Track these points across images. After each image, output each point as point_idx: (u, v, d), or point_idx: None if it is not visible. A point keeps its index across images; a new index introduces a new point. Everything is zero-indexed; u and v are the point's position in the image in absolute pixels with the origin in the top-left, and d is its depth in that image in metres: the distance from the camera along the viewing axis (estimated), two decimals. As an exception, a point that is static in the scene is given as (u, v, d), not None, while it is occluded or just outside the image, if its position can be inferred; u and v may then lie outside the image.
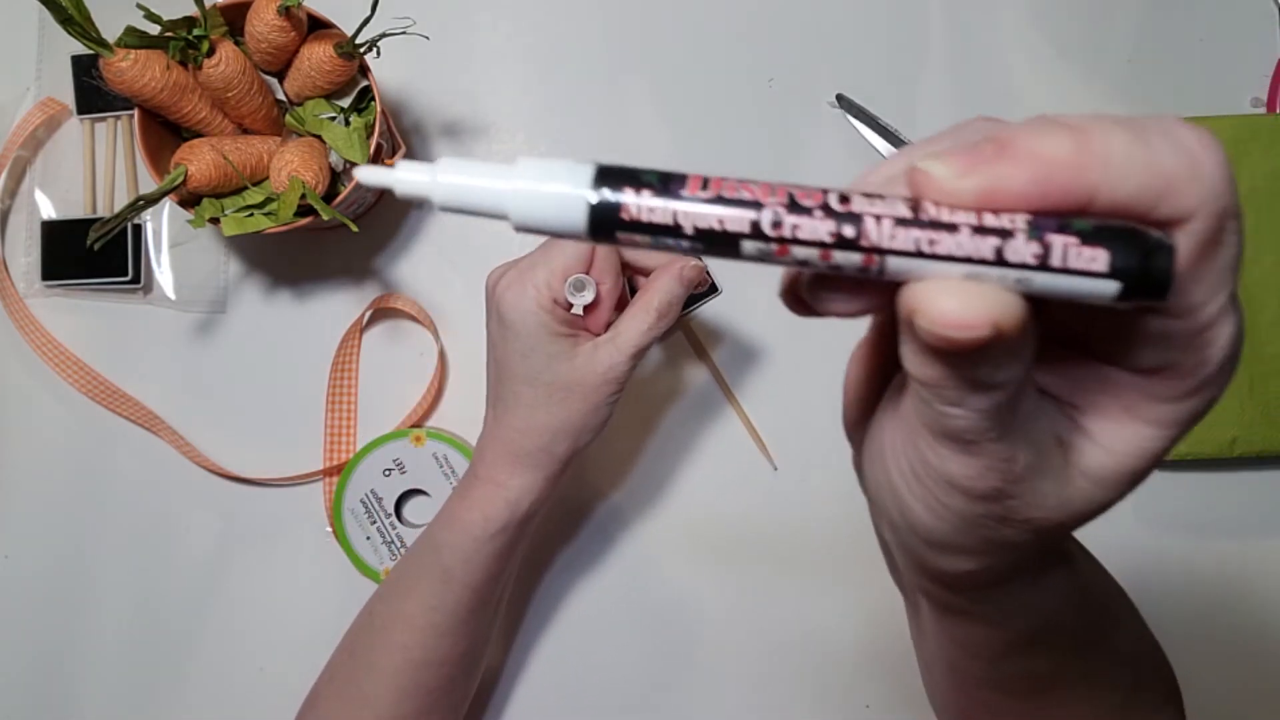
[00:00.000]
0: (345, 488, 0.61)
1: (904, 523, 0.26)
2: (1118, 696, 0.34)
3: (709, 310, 0.64)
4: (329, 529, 0.63)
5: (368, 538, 0.61)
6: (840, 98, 0.64)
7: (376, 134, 0.55)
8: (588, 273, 0.50)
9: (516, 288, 0.49)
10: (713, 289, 0.64)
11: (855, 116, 0.64)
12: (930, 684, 0.37)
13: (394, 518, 0.61)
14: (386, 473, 0.61)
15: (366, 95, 0.57)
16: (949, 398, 0.22)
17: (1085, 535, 0.66)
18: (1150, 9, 0.66)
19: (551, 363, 0.50)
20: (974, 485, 0.23)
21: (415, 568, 0.54)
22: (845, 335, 0.66)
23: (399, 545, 0.61)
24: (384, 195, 0.65)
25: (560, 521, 0.61)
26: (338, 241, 0.64)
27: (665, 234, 0.22)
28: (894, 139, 0.64)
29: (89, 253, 0.62)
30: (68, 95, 0.64)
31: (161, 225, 0.64)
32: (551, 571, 0.63)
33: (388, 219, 0.65)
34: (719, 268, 0.63)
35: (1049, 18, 0.65)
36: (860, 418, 0.28)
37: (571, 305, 0.50)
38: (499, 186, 0.22)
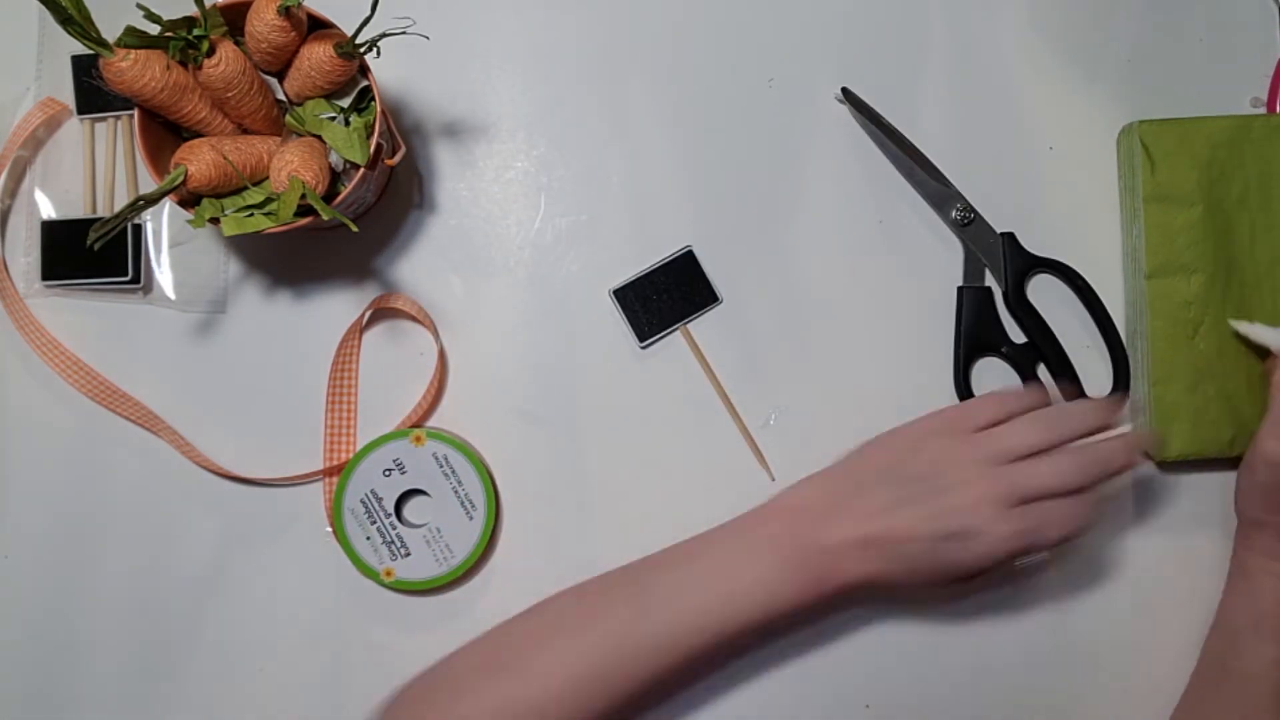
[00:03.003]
0: (345, 488, 0.61)
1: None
2: None
3: (709, 320, 0.64)
4: (329, 529, 0.63)
5: (368, 538, 0.61)
6: (846, 91, 0.64)
7: (376, 134, 0.55)
8: None
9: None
10: (713, 298, 0.63)
11: (859, 112, 0.64)
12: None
13: (394, 518, 0.62)
14: (386, 473, 0.61)
15: (366, 95, 0.57)
16: None
17: (1087, 534, 0.64)
18: (1150, 9, 0.66)
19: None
20: None
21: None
22: (841, 347, 0.65)
23: (399, 545, 0.61)
24: (384, 195, 0.65)
25: (557, 534, 0.61)
26: (338, 241, 0.64)
27: None
28: (896, 137, 0.64)
29: (89, 253, 0.62)
30: (68, 95, 0.64)
31: (161, 225, 0.64)
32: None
33: (388, 219, 0.65)
34: (719, 274, 0.63)
35: (1049, 18, 0.65)
36: None
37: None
38: None
